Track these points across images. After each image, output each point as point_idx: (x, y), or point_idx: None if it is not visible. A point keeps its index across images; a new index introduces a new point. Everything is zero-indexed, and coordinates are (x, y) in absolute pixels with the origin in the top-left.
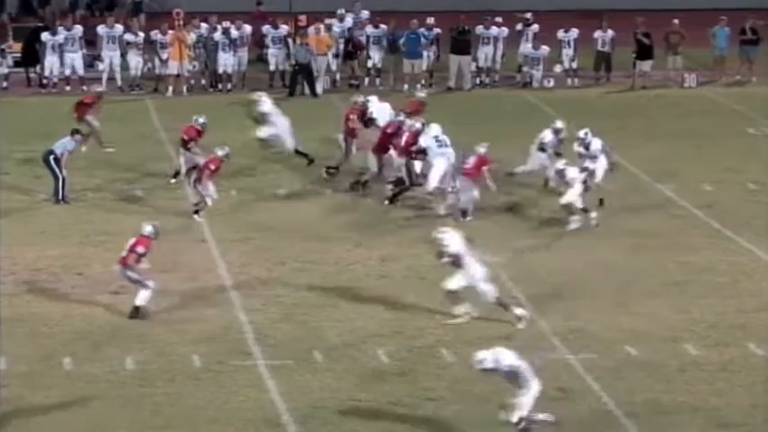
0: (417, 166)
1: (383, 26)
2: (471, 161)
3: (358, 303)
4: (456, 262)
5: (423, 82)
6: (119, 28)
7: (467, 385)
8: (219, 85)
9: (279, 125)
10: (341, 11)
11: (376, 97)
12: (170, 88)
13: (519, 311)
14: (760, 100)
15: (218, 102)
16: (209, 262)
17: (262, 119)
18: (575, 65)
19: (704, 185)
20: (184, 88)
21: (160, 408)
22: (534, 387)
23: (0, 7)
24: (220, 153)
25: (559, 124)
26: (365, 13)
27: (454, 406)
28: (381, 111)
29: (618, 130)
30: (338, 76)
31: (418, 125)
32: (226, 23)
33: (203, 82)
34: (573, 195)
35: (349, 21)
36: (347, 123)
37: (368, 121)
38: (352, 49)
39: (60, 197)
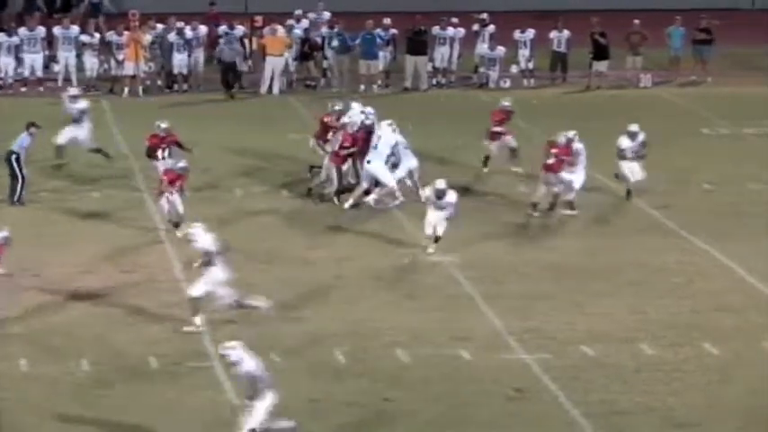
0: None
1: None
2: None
3: (315, 304)
4: (207, 261)
5: (379, 82)
6: (74, 29)
7: (423, 385)
8: (175, 86)
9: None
10: (298, 11)
11: (358, 104)
12: (126, 89)
13: (260, 303)
14: (714, 100)
15: (173, 102)
16: (165, 262)
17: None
18: (531, 65)
19: (660, 186)
20: (140, 89)
21: (117, 409)
22: (269, 399)
23: None
24: (179, 166)
25: (634, 127)
26: (326, 14)
27: (410, 406)
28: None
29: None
30: (294, 77)
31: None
32: (180, 24)
33: (159, 83)
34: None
35: (305, 22)
36: (322, 126)
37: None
38: (308, 50)
39: (17, 198)
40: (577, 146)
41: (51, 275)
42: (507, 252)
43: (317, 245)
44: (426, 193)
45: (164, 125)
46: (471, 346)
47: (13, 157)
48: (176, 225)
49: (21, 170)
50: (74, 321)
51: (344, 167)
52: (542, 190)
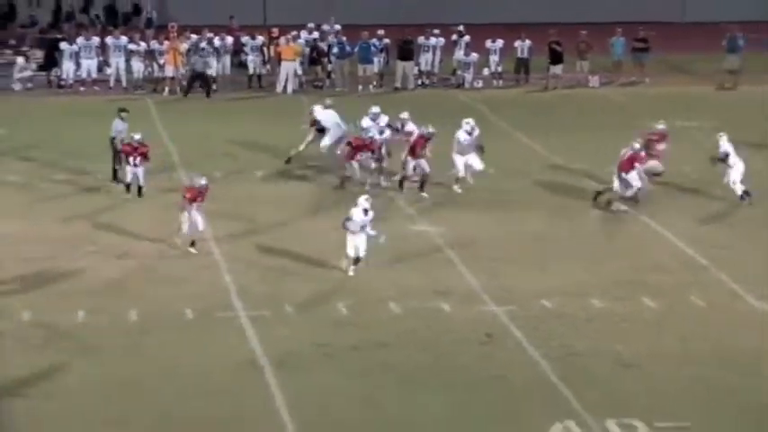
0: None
1: (342, 37)
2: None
3: (321, 267)
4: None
5: (374, 83)
6: (123, 39)
7: (411, 333)
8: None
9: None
10: (311, 24)
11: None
12: (166, 89)
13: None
14: (651, 98)
15: (205, 99)
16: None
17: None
18: (500, 69)
19: (606, 169)
20: (178, 88)
21: (158, 353)
22: None
23: (33, 22)
24: (200, 183)
25: (724, 136)
26: (337, 26)
27: (401, 350)
28: (326, 118)
29: (536, 122)
30: (304, 79)
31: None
32: (210, 35)
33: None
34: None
35: (315, 33)
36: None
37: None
38: (316, 56)
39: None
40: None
41: (106, 242)
42: (481, 224)
43: (322, 218)
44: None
45: (137, 137)
46: (451, 300)
47: (113, 140)
48: (193, 243)
49: (116, 149)
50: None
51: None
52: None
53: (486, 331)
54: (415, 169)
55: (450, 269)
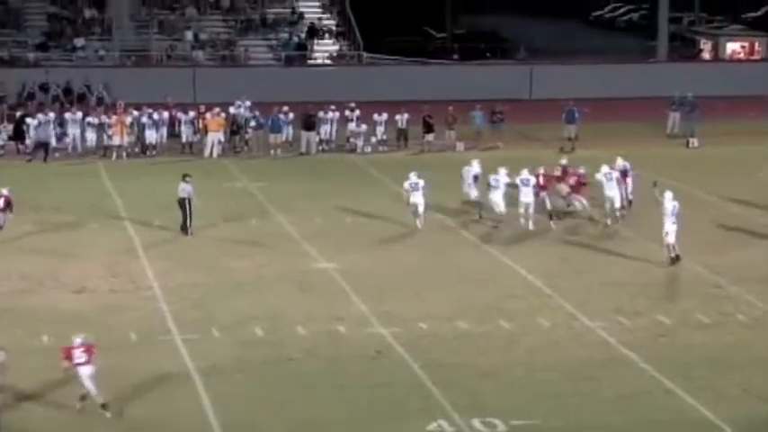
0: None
1: (256, 112)
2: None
3: (242, 296)
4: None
5: (279, 151)
6: (79, 114)
7: (315, 350)
8: (147, 152)
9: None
10: (238, 102)
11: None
12: (114, 154)
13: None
14: (506, 160)
15: (146, 163)
16: (141, 271)
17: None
18: (384, 137)
19: (470, 215)
20: (124, 155)
21: (108, 369)
22: None
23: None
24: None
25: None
26: (248, 103)
27: (306, 363)
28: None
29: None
30: (226, 146)
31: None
32: (150, 110)
33: (137, 150)
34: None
35: (232, 109)
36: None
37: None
38: (235, 128)
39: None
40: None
41: (70, 278)
42: (368, 260)
43: (244, 256)
44: None
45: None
46: (346, 323)
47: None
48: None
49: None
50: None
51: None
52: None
53: (375, 349)
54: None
55: (344, 298)
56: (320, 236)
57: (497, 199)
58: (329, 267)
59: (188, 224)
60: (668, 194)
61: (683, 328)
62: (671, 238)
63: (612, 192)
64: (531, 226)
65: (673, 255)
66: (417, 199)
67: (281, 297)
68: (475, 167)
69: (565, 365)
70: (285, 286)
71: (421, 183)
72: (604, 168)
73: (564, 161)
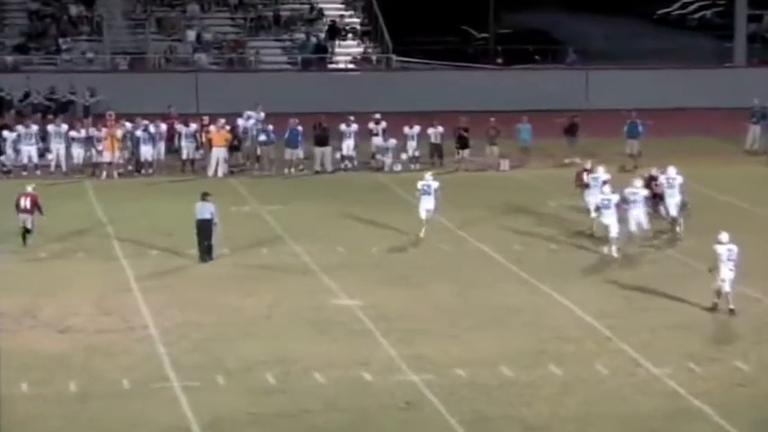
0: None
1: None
2: None
3: (248, 338)
4: None
5: (300, 167)
6: (64, 126)
7: (335, 400)
8: (142, 170)
9: None
10: (249, 112)
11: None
12: (104, 173)
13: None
14: (557, 179)
15: (141, 183)
16: (135, 308)
17: None
18: (417, 153)
19: (515, 245)
20: (115, 173)
21: (96, 421)
22: None
23: None
24: None
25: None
26: (262, 114)
27: (325, 416)
28: None
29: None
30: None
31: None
32: (146, 122)
33: (130, 168)
34: None
35: (240, 121)
36: None
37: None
38: (236, 143)
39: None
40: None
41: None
42: (397, 296)
43: (251, 293)
44: None
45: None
46: (371, 369)
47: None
48: None
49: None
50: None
51: None
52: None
53: (405, 399)
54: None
55: (369, 340)
56: (342, 268)
57: (640, 217)
58: (352, 304)
59: (211, 250)
60: (723, 236)
61: (765, 376)
62: (727, 287)
63: (674, 199)
64: (614, 252)
65: (729, 306)
66: (428, 204)
67: (296, 339)
68: (602, 174)
69: (626, 419)
70: (301, 326)
71: (434, 185)
72: (671, 172)
73: (654, 171)
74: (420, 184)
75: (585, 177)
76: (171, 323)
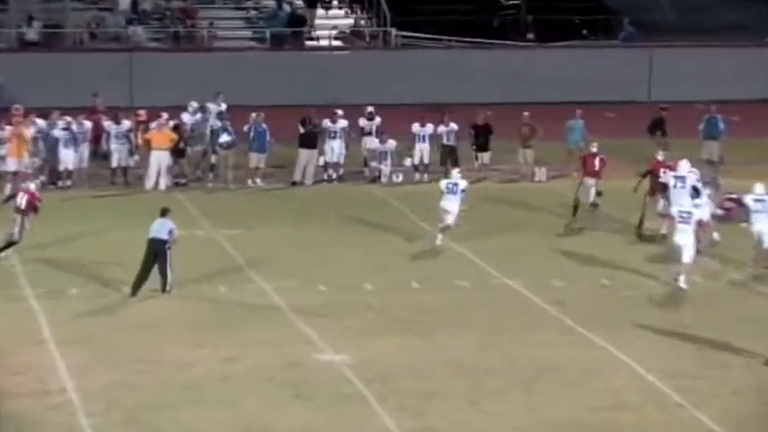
0: None
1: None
2: None
3: (198, 405)
4: None
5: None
6: None
7: None
8: (59, 182)
9: None
10: (193, 104)
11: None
12: (8, 186)
13: None
14: (610, 194)
15: (57, 198)
16: (49, 363)
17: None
18: (427, 160)
19: (554, 281)
20: (23, 186)
21: None
22: None
23: None
24: None
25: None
26: (223, 106)
27: None
28: None
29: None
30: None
31: None
32: (68, 119)
33: (42, 179)
34: None
35: (185, 116)
36: None
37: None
38: (181, 146)
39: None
40: None
41: None
42: (398, 349)
43: (203, 344)
44: None
45: None
46: None
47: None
48: None
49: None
50: None
51: None
52: None
53: None
54: None
55: (361, 407)
56: (324, 311)
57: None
58: (337, 360)
59: (166, 280)
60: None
61: None
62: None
63: (762, 225)
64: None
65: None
66: (450, 205)
67: (263, 406)
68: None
69: None
70: (270, 389)
71: (462, 184)
72: (758, 189)
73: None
74: (444, 183)
75: (663, 176)
76: (96, 385)
